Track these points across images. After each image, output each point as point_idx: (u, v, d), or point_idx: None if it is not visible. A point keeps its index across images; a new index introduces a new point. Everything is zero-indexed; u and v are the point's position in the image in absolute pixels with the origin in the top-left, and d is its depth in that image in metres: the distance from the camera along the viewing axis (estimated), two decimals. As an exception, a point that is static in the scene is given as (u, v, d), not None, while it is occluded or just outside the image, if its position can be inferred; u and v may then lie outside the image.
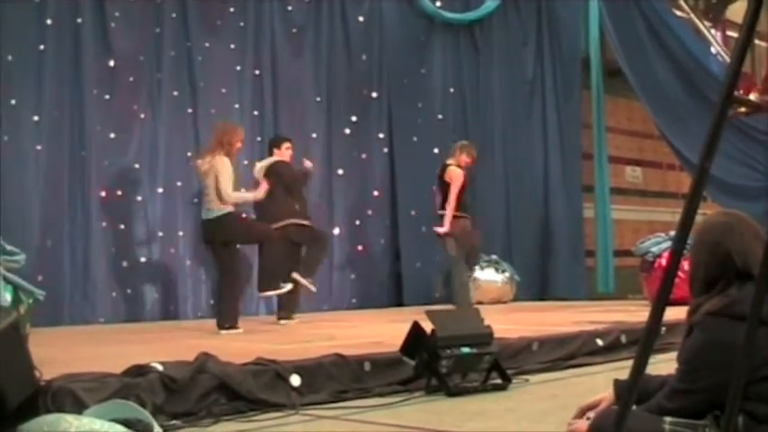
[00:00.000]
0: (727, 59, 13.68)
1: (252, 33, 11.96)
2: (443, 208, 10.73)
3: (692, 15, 14.94)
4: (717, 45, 14.73)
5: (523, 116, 15.08)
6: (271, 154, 9.88)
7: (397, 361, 5.69)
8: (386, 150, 13.32)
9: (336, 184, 12.61)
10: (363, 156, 13.08)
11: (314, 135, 12.33)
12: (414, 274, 13.00)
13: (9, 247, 5.96)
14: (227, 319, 8.50)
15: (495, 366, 5.82)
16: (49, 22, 10.20)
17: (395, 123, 13.41)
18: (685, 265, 9.86)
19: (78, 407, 4.10)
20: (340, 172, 12.67)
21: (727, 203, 11.99)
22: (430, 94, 13.97)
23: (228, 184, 8.55)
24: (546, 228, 14.97)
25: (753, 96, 11.82)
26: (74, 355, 6.14)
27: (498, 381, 5.80)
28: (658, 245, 11.67)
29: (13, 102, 9.87)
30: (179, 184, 11.01)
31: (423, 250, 12.89)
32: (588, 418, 3.10)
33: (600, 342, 7.30)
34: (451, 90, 14.27)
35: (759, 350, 2.57)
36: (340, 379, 5.44)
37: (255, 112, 11.90)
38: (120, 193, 10.66)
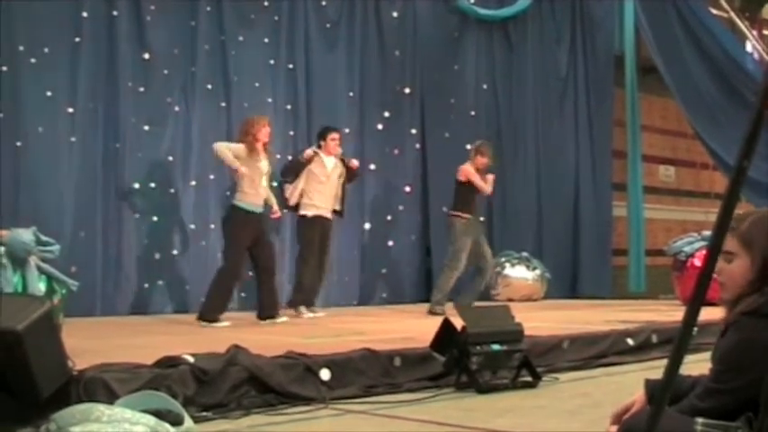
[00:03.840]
0: (766, 57, 13.58)
1: (286, 27, 11.98)
2: (455, 208, 10.65)
3: (731, 13, 14.81)
4: (755, 42, 14.59)
5: (556, 114, 15.02)
6: (318, 146, 10.10)
7: (427, 357, 5.69)
8: (418, 146, 13.30)
9: (368, 179, 12.59)
10: (395, 151, 13.07)
11: (346, 130, 12.30)
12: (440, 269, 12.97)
13: (44, 238, 6.01)
14: (209, 311, 8.71)
15: (525, 364, 5.81)
16: (84, 14, 10.26)
17: (427, 119, 13.39)
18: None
19: (110, 397, 4.14)
20: (372, 167, 12.66)
21: (759, 204, 11.88)
22: (463, 91, 13.94)
23: (223, 149, 8.94)
24: (577, 226, 14.91)
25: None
26: (106, 346, 6.18)
27: (528, 378, 5.80)
28: (691, 244, 11.60)
29: (48, 93, 9.94)
30: (212, 177, 11.04)
31: (453, 247, 12.87)
32: None
33: (630, 341, 7.28)
34: (484, 86, 14.23)
35: None
36: (369, 374, 5.45)
37: (288, 107, 11.92)
38: (153, 185, 10.71)
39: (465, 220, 10.49)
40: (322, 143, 10.05)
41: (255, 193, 8.93)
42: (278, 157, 10.83)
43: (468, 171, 10.56)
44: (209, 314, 8.60)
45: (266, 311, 8.90)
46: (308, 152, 10.01)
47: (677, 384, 2.89)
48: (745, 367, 2.64)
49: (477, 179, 10.54)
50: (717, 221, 1.62)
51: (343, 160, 10.19)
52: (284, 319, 8.87)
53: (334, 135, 10.11)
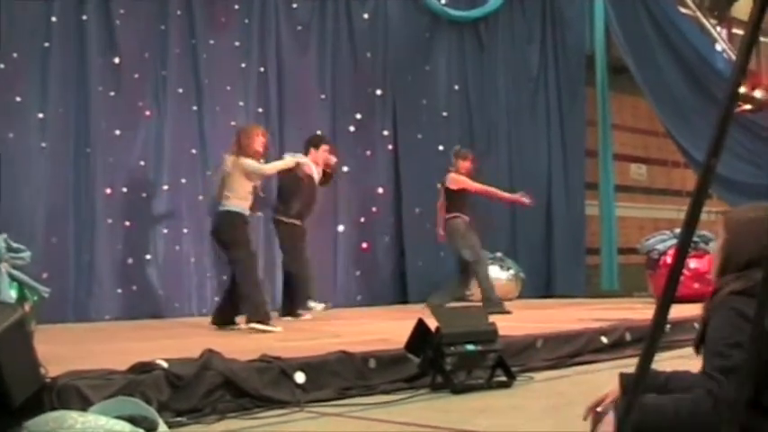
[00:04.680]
0: (733, 57, 13.67)
1: (257, 31, 11.96)
2: (451, 212, 10.49)
3: (698, 13, 14.91)
4: (722, 42, 14.71)
5: (528, 114, 15.07)
6: (306, 152, 9.93)
7: (402, 358, 5.69)
8: (390, 148, 13.32)
9: (341, 181, 12.59)
10: (368, 153, 13.08)
11: (318, 132, 12.30)
12: (418, 271, 13.00)
13: (14, 245, 5.97)
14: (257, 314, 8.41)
15: (499, 364, 5.82)
16: (54, 19, 10.21)
17: (399, 121, 13.41)
18: (691, 262, 9.79)
19: (83, 404, 4.11)
20: (345, 169, 12.64)
21: (732, 201, 11.98)
22: (434, 92, 13.97)
23: (257, 166, 8.78)
24: (550, 225, 14.96)
25: (758, 93, 11.80)
26: (79, 353, 6.14)
27: (503, 378, 5.80)
28: (663, 242, 11.68)
29: (18, 99, 9.90)
30: (183, 181, 11.01)
31: (427, 248, 12.88)
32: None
33: (605, 340, 7.30)
34: (456, 87, 14.27)
35: None
36: (345, 376, 5.45)
37: (260, 110, 11.90)
38: (125, 190, 10.67)
39: (463, 220, 10.45)
40: (313, 150, 9.94)
41: (248, 198, 8.87)
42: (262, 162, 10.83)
43: (458, 179, 10.43)
44: (260, 316, 8.35)
45: (228, 317, 8.72)
46: (304, 160, 9.83)
47: (651, 379, 2.90)
48: (742, 342, 2.64)
49: (471, 183, 10.54)
50: (685, 219, 1.63)
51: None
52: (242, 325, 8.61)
53: (326, 147, 10.10)
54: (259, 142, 8.82)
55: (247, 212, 8.86)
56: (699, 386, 2.71)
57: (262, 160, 9.38)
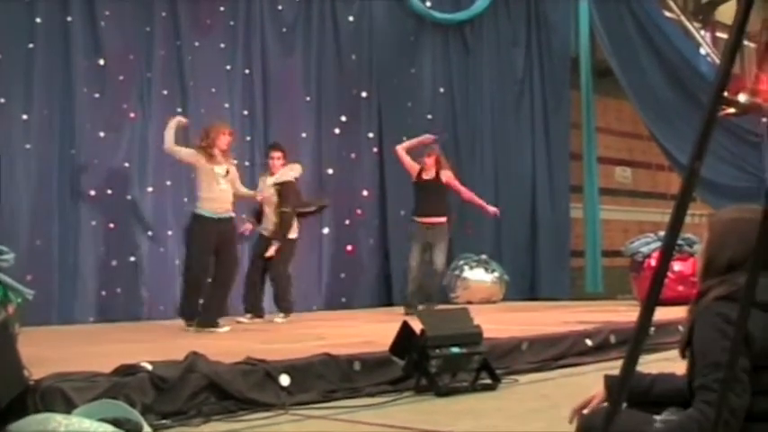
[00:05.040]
0: (717, 60, 13.73)
1: (242, 32, 11.94)
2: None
3: (682, 16, 14.98)
4: (706, 46, 14.77)
5: (512, 116, 15.09)
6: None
7: (387, 361, 5.69)
8: (375, 150, 13.30)
9: (326, 183, 12.58)
10: (353, 155, 13.07)
11: (303, 135, 12.31)
12: (403, 273, 12.97)
13: (-2, 247, 5.95)
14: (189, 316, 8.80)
15: (484, 366, 5.83)
16: (38, 20, 10.16)
17: (384, 123, 13.40)
18: (675, 265, 9.81)
19: (67, 406, 4.10)
20: (329, 172, 12.65)
21: (716, 204, 12.01)
22: (419, 94, 13.96)
23: (185, 153, 9.05)
24: (535, 228, 14.99)
25: (741, 97, 11.85)
26: (63, 355, 6.12)
27: (488, 381, 5.81)
28: (648, 245, 11.70)
29: (2, 100, 9.84)
30: (168, 183, 10.98)
31: (412, 250, 12.88)
32: None
33: (589, 342, 7.32)
34: (441, 90, 14.27)
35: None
36: (329, 378, 5.45)
37: (245, 112, 11.88)
38: (109, 192, 10.62)
39: (412, 222, 10.65)
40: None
41: (213, 198, 8.86)
42: (235, 162, 10.80)
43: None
44: (189, 317, 8.75)
45: (203, 318, 8.70)
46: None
47: (636, 381, 2.90)
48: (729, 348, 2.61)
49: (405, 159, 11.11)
50: (670, 222, 1.64)
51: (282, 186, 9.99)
52: (226, 328, 8.60)
53: (273, 153, 10.12)
54: (224, 141, 9.00)
55: (214, 215, 8.82)
56: (698, 398, 2.64)
57: (235, 160, 9.52)
